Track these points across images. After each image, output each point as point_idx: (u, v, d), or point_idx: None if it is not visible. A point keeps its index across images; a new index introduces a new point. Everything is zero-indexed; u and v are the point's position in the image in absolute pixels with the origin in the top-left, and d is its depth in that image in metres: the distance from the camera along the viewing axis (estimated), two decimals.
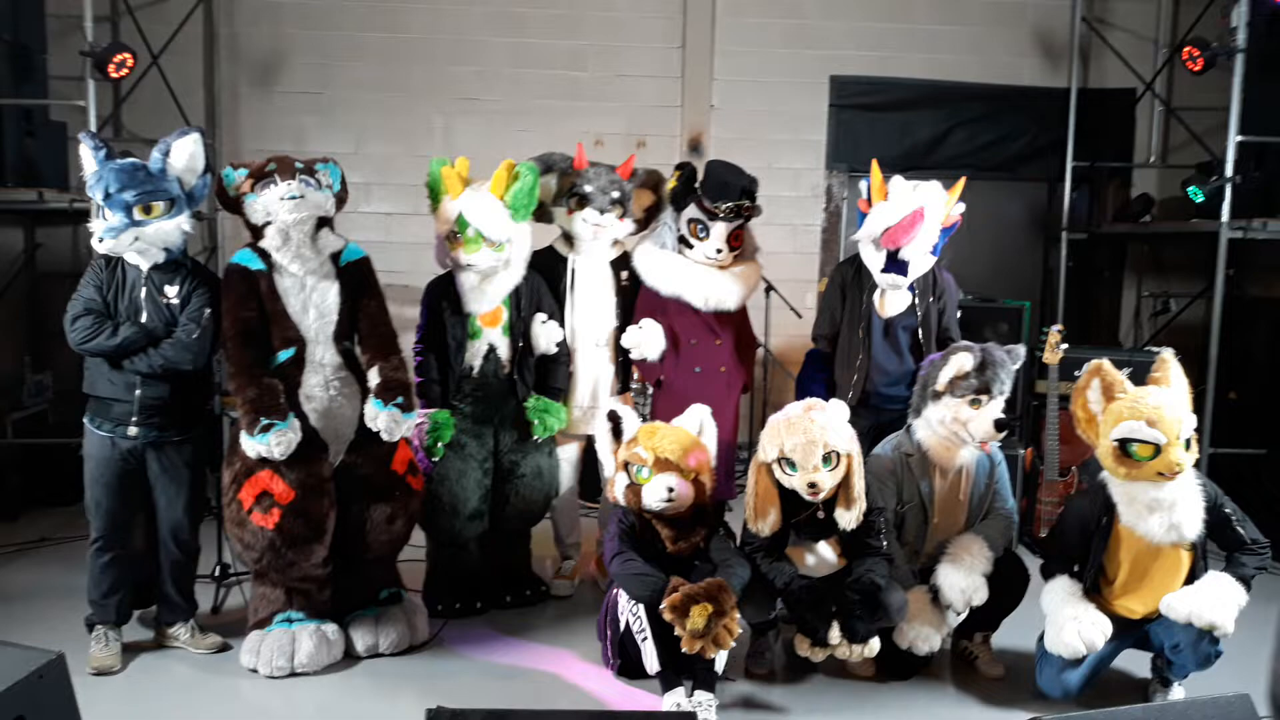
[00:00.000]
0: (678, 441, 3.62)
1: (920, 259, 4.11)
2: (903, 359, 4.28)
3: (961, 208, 4.18)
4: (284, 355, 3.73)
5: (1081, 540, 3.60)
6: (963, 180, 4.21)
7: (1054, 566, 3.65)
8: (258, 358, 3.67)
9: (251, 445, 3.52)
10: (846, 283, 4.36)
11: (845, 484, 3.55)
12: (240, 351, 3.65)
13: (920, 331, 4.27)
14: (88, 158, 3.63)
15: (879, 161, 4.20)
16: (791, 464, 3.49)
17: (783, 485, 3.57)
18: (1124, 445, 3.36)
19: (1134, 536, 3.47)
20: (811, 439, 3.45)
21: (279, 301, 3.72)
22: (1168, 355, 3.54)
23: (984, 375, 3.69)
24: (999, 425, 3.67)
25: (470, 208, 4.04)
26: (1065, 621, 3.45)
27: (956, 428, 3.72)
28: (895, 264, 4.07)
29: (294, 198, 3.65)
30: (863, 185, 4.22)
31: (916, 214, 4.01)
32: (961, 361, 3.73)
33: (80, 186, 5.44)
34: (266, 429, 3.49)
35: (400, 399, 3.69)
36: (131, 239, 3.54)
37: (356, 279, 3.84)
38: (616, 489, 3.69)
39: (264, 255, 3.73)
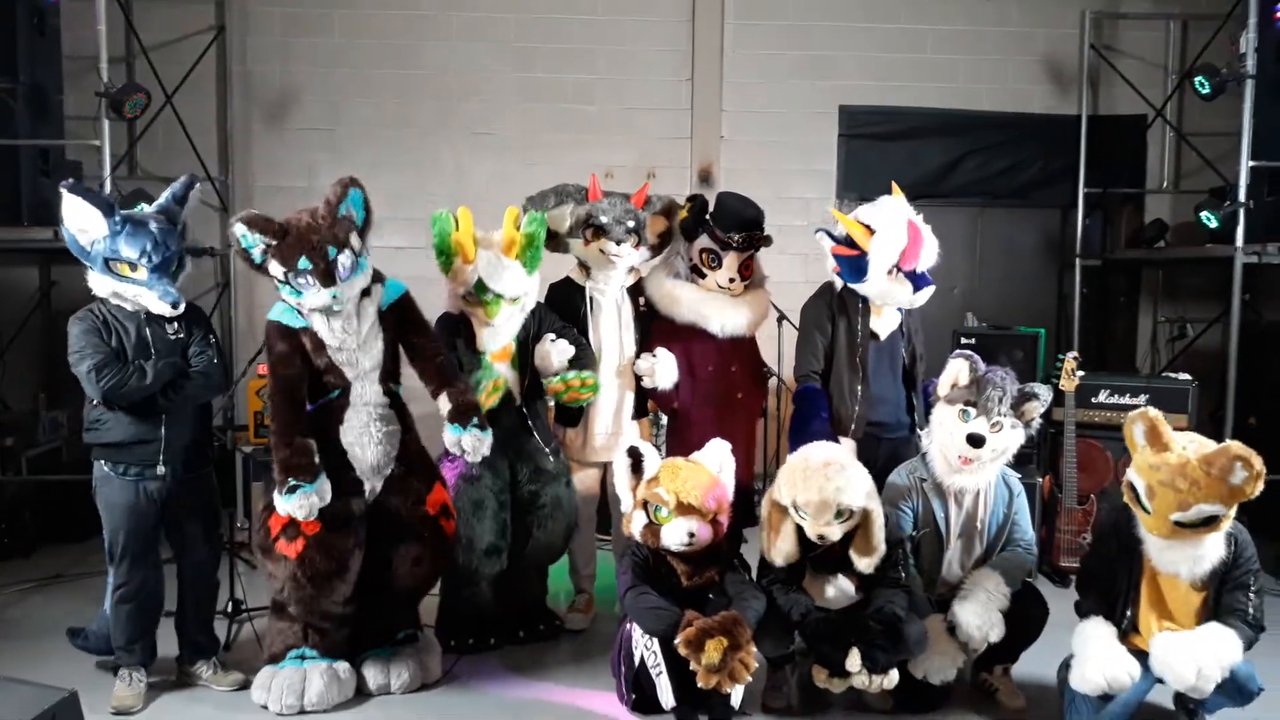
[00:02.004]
0: (700, 484, 3.58)
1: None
2: (896, 383, 4.26)
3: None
4: (332, 394, 3.73)
5: (1114, 558, 3.55)
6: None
7: (1087, 605, 3.57)
8: (296, 417, 3.64)
9: (280, 505, 3.56)
10: (833, 314, 4.22)
11: (865, 531, 3.52)
12: (281, 409, 3.64)
13: (904, 351, 4.27)
14: (90, 216, 3.50)
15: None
16: (804, 512, 3.50)
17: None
18: (1132, 485, 3.38)
19: (1147, 559, 3.46)
20: (825, 500, 3.45)
21: (324, 354, 3.69)
22: (1253, 461, 3.19)
23: (977, 391, 3.65)
24: (971, 440, 3.61)
25: (489, 274, 4.01)
26: (1091, 659, 3.39)
27: (945, 437, 3.69)
28: (919, 278, 4.06)
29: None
30: (824, 241, 4.15)
31: (913, 228, 4.02)
32: (958, 369, 3.73)
33: None
34: (293, 490, 3.50)
35: (475, 420, 3.73)
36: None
37: (398, 319, 3.80)
38: (634, 526, 3.65)
39: (301, 310, 3.70)
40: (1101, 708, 3.43)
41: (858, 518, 3.52)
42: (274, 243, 3.55)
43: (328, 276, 3.54)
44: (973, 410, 3.64)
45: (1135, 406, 5.40)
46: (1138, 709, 3.52)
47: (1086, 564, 3.87)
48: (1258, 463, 3.17)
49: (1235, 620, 3.35)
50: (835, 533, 3.49)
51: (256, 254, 3.58)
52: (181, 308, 3.61)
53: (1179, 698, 3.58)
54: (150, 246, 3.51)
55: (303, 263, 3.52)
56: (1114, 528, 3.59)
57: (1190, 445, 3.30)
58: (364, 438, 3.72)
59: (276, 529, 3.63)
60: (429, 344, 3.86)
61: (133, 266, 3.52)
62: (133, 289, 3.55)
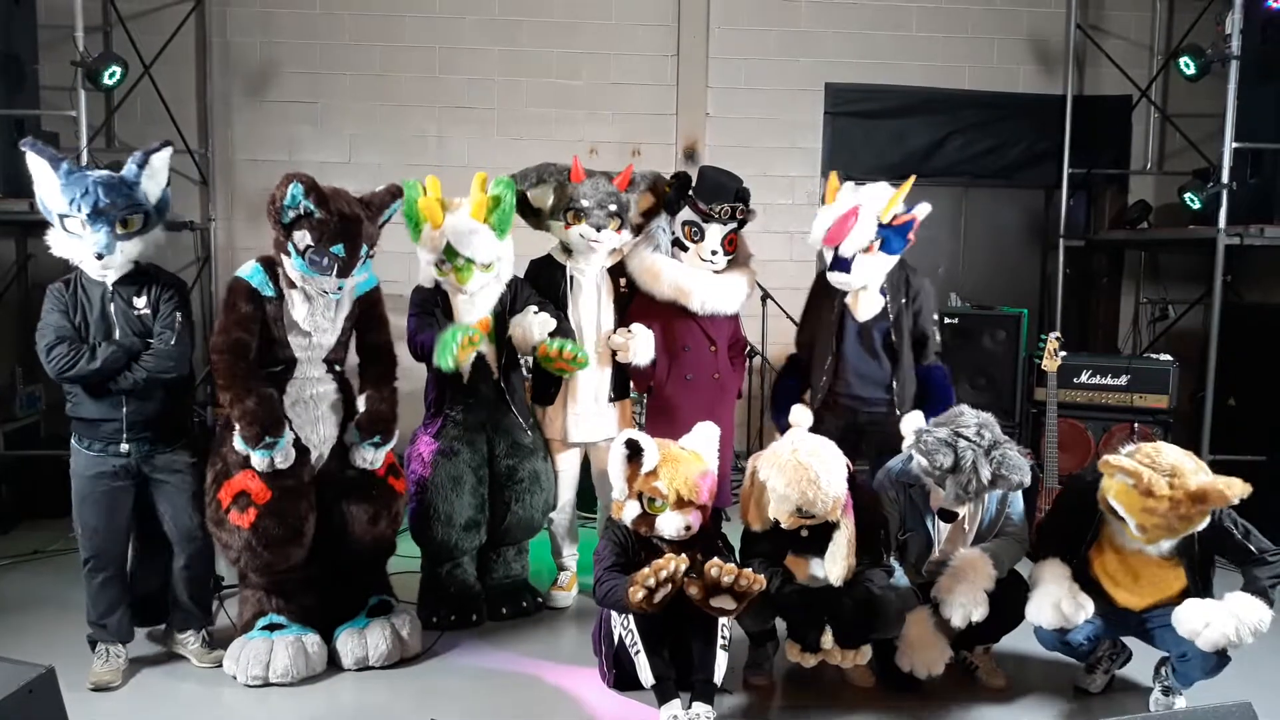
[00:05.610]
0: (697, 477, 3.59)
1: (870, 259, 4.11)
2: (879, 361, 4.27)
3: (926, 209, 4.21)
4: (274, 368, 3.75)
5: (1074, 519, 3.62)
6: (910, 180, 4.26)
7: (1046, 549, 3.68)
8: (250, 371, 3.65)
9: (255, 459, 3.60)
10: (822, 290, 4.39)
11: (834, 545, 3.51)
12: (232, 367, 3.62)
13: (893, 333, 4.26)
14: (43, 170, 3.46)
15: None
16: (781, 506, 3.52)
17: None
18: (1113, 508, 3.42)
19: (1115, 535, 3.52)
20: (794, 504, 3.47)
21: (281, 327, 3.71)
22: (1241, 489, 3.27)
23: (951, 475, 3.51)
24: (943, 515, 3.68)
25: (457, 237, 3.98)
26: (1046, 595, 3.50)
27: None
28: (839, 262, 4.15)
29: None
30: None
31: (850, 212, 4.07)
32: (926, 465, 3.55)
33: None
34: (270, 446, 3.57)
35: (379, 436, 3.80)
36: (119, 256, 3.49)
37: (363, 311, 3.89)
38: (626, 514, 3.63)
39: (275, 279, 3.70)
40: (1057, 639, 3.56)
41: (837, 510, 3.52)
42: (322, 216, 3.54)
43: (346, 269, 3.61)
44: (943, 489, 3.59)
45: (1116, 387, 5.48)
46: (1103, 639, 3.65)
47: (1051, 512, 3.95)
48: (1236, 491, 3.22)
49: (1252, 572, 3.38)
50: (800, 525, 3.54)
51: (291, 214, 3.56)
52: (99, 267, 3.48)
53: (1159, 671, 3.64)
54: (80, 194, 3.40)
55: (338, 249, 3.56)
56: (1078, 494, 3.63)
57: (1167, 459, 3.30)
58: (308, 406, 3.78)
59: (227, 501, 3.64)
60: (383, 344, 3.95)
61: (72, 217, 3.43)
62: (76, 245, 3.47)
